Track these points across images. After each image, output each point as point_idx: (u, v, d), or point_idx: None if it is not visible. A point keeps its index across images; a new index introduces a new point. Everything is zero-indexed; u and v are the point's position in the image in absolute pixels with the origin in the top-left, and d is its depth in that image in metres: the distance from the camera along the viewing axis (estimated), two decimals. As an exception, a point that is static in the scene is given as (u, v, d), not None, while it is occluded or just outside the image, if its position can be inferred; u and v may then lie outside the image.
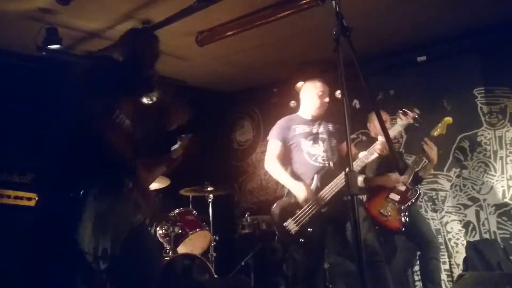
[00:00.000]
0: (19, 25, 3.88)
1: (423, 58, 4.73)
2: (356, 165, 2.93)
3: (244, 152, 6.27)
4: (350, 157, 1.71)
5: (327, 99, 3.18)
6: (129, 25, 4.01)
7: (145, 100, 2.28)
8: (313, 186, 2.97)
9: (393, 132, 3.10)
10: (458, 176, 4.55)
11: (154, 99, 2.27)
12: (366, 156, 2.94)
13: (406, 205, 3.55)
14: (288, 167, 3.14)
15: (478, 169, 4.46)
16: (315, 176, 2.99)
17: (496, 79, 4.43)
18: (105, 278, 2.18)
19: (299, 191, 2.92)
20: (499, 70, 4.39)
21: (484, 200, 4.40)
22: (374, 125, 3.98)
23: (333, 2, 1.81)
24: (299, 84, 5.33)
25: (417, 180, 3.76)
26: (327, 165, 3.05)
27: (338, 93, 4.95)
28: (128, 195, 2.13)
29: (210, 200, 4.33)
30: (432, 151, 3.56)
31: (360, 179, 3.67)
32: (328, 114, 3.22)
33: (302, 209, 2.92)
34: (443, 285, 4.14)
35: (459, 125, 4.38)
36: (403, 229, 3.49)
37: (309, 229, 2.88)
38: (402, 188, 3.64)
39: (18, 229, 2.70)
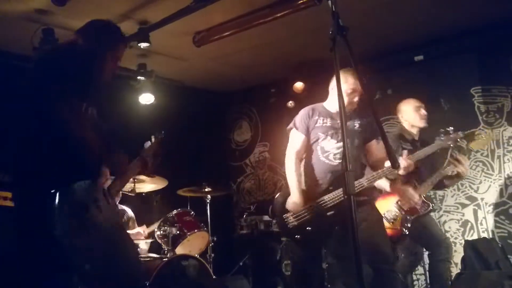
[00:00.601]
0: (16, 26, 3.87)
1: (420, 57, 4.74)
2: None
3: (242, 153, 6.27)
4: (347, 156, 1.71)
5: (356, 99, 2.91)
6: (126, 25, 4.01)
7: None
8: (323, 186, 2.83)
9: (431, 149, 2.98)
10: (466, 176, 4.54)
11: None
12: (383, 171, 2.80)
13: (414, 217, 3.39)
14: (303, 159, 2.99)
15: (476, 168, 4.46)
16: (329, 175, 2.84)
17: (493, 78, 4.44)
18: (90, 278, 2.16)
19: (292, 201, 2.83)
20: (496, 69, 4.40)
21: (482, 199, 4.41)
22: (407, 116, 3.67)
23: (329, 1, 1.80)
24: (297, 84, 5.36)
25: (440, 186, 3.60)
26: (340, 165, 2.85)
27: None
28: (100, 194, 2.09)
29: (208, 201, 4.32)
30: (463, 167, 3.34)
31: (386, 183, 3.38)
32: (359, 109, 2.98)
33: (306, 206, 2.81)
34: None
35: (457, 124, 4.36)
36: (400, 239, 3.38)
37: (307, 228, 2.80)
38: (416, 199, 3.39)
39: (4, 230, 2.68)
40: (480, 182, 4.43)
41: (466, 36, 4.51)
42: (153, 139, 2.49)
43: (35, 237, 2.00)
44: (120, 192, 3.38)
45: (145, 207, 4.69)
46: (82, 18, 3.90)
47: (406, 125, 3.69)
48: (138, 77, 4.80)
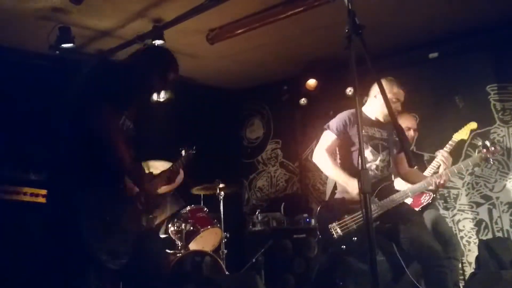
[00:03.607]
0: (32, 24, 3.93)
1: (435, 54, 4.68)
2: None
3: (254, 150, 6.28)
4: (362, 155, 1.71)
5: (399, 108, 2.95)
6: (141, 23, 4.05)
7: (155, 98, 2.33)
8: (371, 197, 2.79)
9: (472, 162, 3.00)
10: (470, 174, 4.51)
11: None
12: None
13: (418, 209, 3.43)
14: (341, 163, 2.97)
15: (491, 167, 4.41)
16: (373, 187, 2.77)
17: (510, 75, 4.37)
18: (116, 278, 2.22)
19: (354, 185, 2.67)
20: (513, 66, 4.34)
21: (497, 198, 4.36)
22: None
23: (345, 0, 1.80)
24: (310, 81, 5.35)
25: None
26: (382, 176, 2.87)
27: (349, 90, 4.98)
28: (130, 198, 2.16)
29: (221, 198, 4.35)
30: (446, 165, 3.40)
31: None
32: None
33: (352, 216, 2.76)
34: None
35: (472, 122, 4.34)
36: None
37: (354, 238, 2.73)
38: None
39: (34, 227, 2.75)
40: (495, 181, 4.38)
41: (482, 33, 4.44)
42: (183, 153, 2.52)
43: (64, 234, 2.05)
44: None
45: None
46: (98, 16, 3.96)
47: None
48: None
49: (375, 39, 4.40)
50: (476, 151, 3.22)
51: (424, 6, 3.97)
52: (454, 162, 4.44)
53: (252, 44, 4.66)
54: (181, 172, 2.60)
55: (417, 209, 3.42)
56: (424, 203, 3.46)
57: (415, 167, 3.38)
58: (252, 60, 5.15)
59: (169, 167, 2.54)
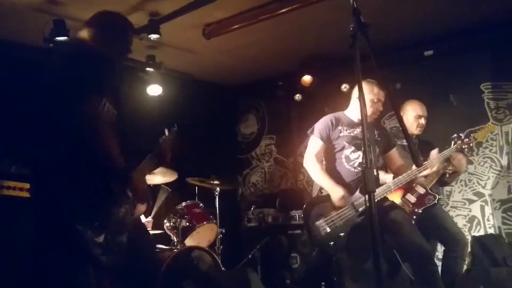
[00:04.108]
0: (27, 16, 3.86)
1: (430, 52, 4.70)
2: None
3: (248, 145, 6.28)
4: (366, 153, 1.71)
5: (381, 108, 3.06)
6: (137, 17, 3.99)
7: None
8: (351, 192, 2.90)
9: (448, 153, 3.06)
10: (463, 171, 4.55)
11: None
12: (409, 174, 2.92)
13: (420, 210, 3.39)
14: (326, 167, 3.07)
15: (484, 164, 4.47)
16: (356, 182, 2.92)
17: (504, 74, 4.42)
18: (112, 276, 2.20)
19: (336, 193, 2.85)
20: (507, 65, 4.38)
21: (490, 195, 4.42)
22: (407, 119, 3.71)
23: (351, -2, 1.79)
24: (306, 77, 5.35)
25: (442, 183, 3.67)
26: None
27: (344, 87, 4.99)
28: (121, 192, 2.12)
29: (216, 193, 4.34)
30: (461, 163, 3.41)
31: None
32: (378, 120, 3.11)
33: (338, 212, 2.85)
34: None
35: (466, 120, 4.38)
36: None
37: (340, 234, 2.82)
38: (422, 190, 3.46)
39: (21, 221, 2.69)
40: (488, 178, 4.44)
41: (477, 32, 4.47)
42: (166, 133, 2.50)
43: (52, 229, 2.02)
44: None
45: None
46: (93, 9, 3.87)
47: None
48: (147, 69, 4.79)
49: (371, 36, 4.41)
50: (452, 142, 3.29)
51: (420, 4, 3.98)
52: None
53: (248, 39, 4.63)
54: (143, 206, 2.52)
55: (420, 210, 3.40)
56: (428, 205, 3.41)
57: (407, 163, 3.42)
58: (248, 55, 5.13)
59: (154, 152, 2.47)
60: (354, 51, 1.76)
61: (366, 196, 1.63)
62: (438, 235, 3.57)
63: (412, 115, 3.68)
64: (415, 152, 1.73)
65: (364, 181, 1.65)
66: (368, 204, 1.63)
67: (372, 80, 3.04)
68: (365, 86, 3.05)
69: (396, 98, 4.06)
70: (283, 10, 3.91)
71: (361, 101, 1.75)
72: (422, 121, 3.70)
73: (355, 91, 3.12)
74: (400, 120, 1.86)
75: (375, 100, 3.02)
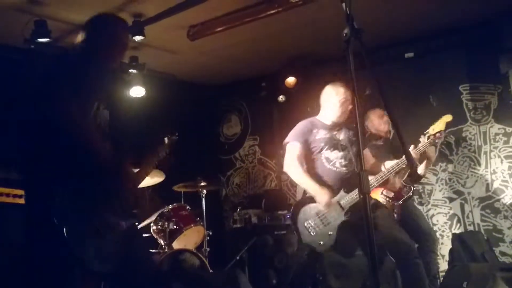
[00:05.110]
0: (6, 17, 3.77)
1: (411, 54, 4.80)
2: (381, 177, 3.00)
3: (231, 146, 6.27)
4: (362, 156, 1.75)
5: (350, 107, 3.05)
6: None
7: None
8: (335, 192, 2.96)
9: (422, 147, 3.15)
10: (444, 171, 4.69)
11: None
12: (393, 167, 3.00)
13: (400, 202, 3.57)
14: (307, 170, 3.10)
15: (463, 163, 4.60)
16: (338, 181, 2.97)
17: (481, 76, 4.56)
18: (100, 279, 2.18)
19: (322, 196, 2.90)
20: (484, 67, 4.51)
21: (469, 193, 4.56)
22: (372, 123, 4.06)
23: (343, 4, 1.82)
24: (290, 79, 5.38)
25: (415, 178, 3.71)
26: (348, 172, 3.00)
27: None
28: (114, 196, 2.11)
29: (203, 195, 4.33)
30: (429, 151, 3.52)
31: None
32: (350, 120, 3.15)
33: (325, 212, 2.91)
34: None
35: (445, 120, 4.51)
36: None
37: (329, 233, 2.89)
38: (397, 185, 3.64)
39: (17, 228, 2.65)
40: (467, 177, 4.57)
41: (455, 34, 4.59)
42: (166, 141, 2.50)
43: (44, 235, 1.99)
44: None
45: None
46: (75, 9, 3.84)
47: (372, 130, 4.11)
48: (130, 70, 4.74)
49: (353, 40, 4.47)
50: (426, 137, 3.36)
51: (400, 5, 4.05)
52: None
53: (232, 40, 4.64)
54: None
55: (400, 202, 3.56)
56: (405, 196, 3.59)
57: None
58: (231, 56, 5.14)
59: (154, 156, 2.48)
60: (347, 57, 1.78)
61: (361, 196, 1.66)
62: (410, 231, 3.71)
63: (376, 116, 3.99)
64: (408, 152, 1.78)
65: (360, 184, 1.68)
66: (364, 206, 1.66)
67: (336, 82, 3.12)
68: (330, 89, 3.14)
69: (367, 103, 4.23)
70: (268, 12, 3.94)
71: (356, 104, 1.78)
72: (385, 118, 3.98)
73: (323, 96, 3.18)
74: (393, 121, 1.90)
75: (343, 100, 3.05)
